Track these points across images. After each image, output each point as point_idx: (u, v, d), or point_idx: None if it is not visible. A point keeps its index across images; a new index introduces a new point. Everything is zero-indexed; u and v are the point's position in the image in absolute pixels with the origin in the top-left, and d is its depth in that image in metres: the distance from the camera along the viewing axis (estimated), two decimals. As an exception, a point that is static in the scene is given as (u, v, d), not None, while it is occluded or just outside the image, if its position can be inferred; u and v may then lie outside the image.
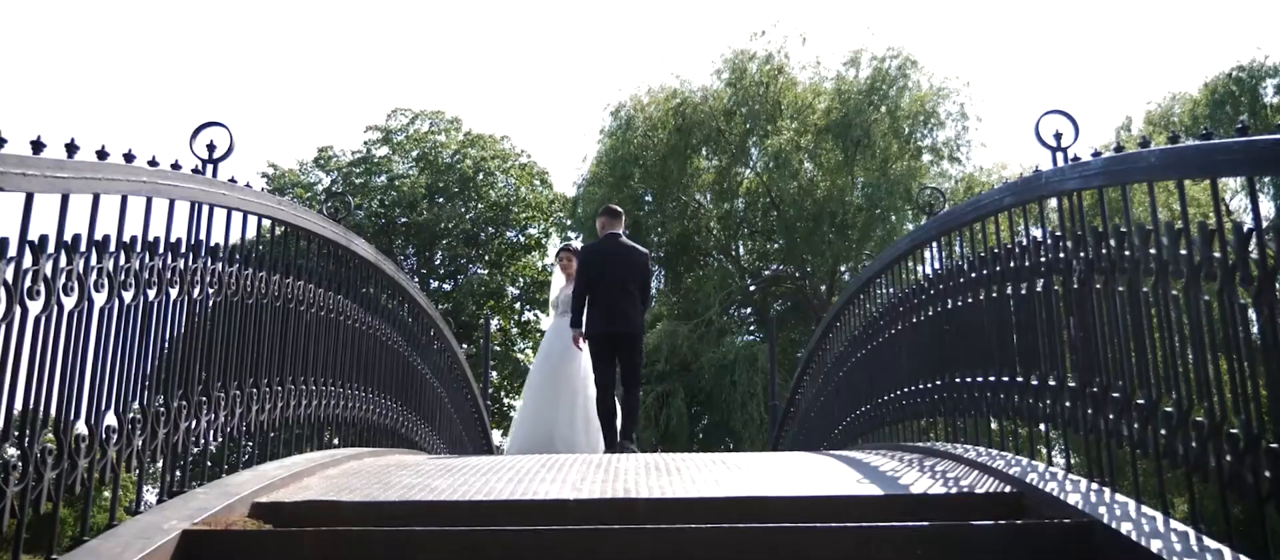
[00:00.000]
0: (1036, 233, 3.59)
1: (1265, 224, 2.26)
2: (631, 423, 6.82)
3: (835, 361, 7.04)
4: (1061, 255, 3.34)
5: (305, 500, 3.37)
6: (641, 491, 3.57)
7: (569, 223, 25.24)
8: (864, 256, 20.50)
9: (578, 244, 7.79)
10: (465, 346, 14.19)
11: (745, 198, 23.88)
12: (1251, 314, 2.29)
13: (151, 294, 3.06)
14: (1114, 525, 2.62)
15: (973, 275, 4.15)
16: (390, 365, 5.81)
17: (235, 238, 3.67)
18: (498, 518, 3.27)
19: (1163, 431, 2.66)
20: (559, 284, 8.15)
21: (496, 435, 22.32)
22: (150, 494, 4.26)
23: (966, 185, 21.47)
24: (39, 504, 2.46)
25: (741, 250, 25.01)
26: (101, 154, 2.78)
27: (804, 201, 21.78)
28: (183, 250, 3.29)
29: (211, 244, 3.50)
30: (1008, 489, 3.31)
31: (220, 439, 3.56)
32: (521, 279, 26.51)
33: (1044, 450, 3.52)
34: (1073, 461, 3.76)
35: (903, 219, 20.87)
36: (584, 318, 6.83)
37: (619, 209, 7.37)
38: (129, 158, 2.92)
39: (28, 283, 2.42)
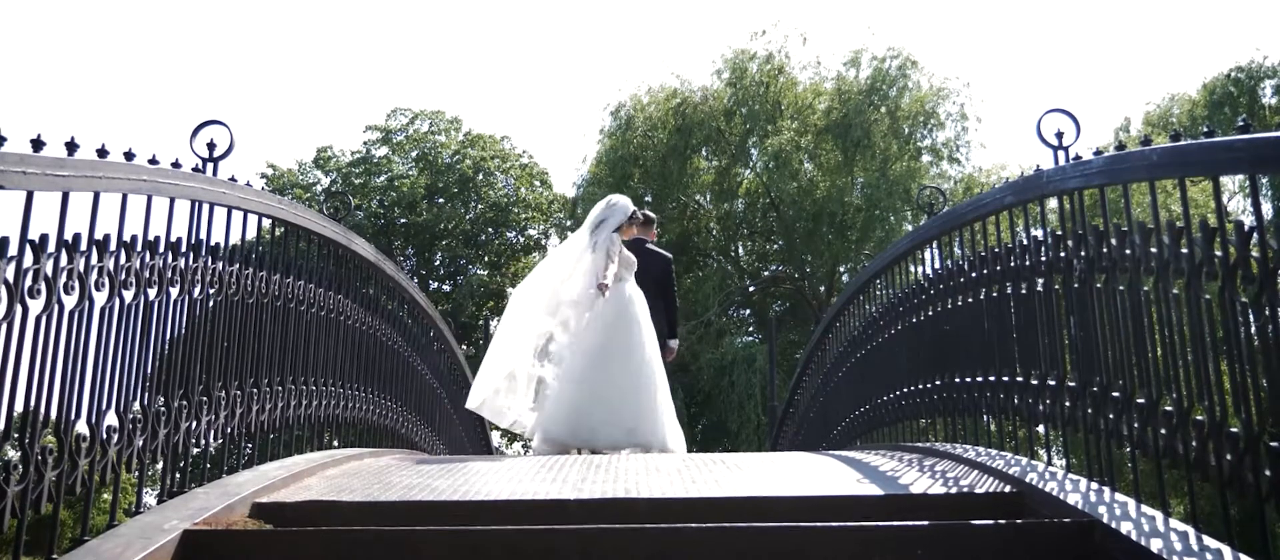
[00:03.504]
0: (1037, 232, 3.59)
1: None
2: None
3: (835, 361, 7.04)
4: (1062, 254, 3.34)
5: (306, 500, 3.36)
6: (642, 491, 3.57)
7: (569, 224, 25.25)
8: (863, 257, 20.52)
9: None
10: (465, 348, 14.17)
11: (745, 198, 23.90)
12: (1252, 313, 2.29)
13: (152, 293, 3.06)
14: (1114, 525, 2.62)
15: (973, 274, 4.15)
16: (390, 365, 5.80)
17: (235, 237, 3.67)
18: (498, 517, 3.26)
19: (1163, 431, 2.66)
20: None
21: (496, 436, 22.31)
22: (149, 497, 4.26)
23: (966, 186, 21.50)
24: (39, 504, 2.46)
25: (741, 251, 25.04)
26: (102, 152, 2.78)
27: (803, 202, 21.80)
28: (183, 249, 3.29)
29: (212, 243, 3.50)
30: (1007, 489, 3.31)
31: (220, 439, 3.56)
32: (521, 280, 26.47)
33: (1043, 451, 3.51)
34: (1071, 462, 3.76)
35: (902, 219, 20.89)
36: None
37: (653, 216, 7.42)
38: (129, 156, 2.92)
39: (28, 282, 2.42)
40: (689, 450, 6.39)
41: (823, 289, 22.58)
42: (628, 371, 6.03)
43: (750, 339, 23.43)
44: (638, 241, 6.98)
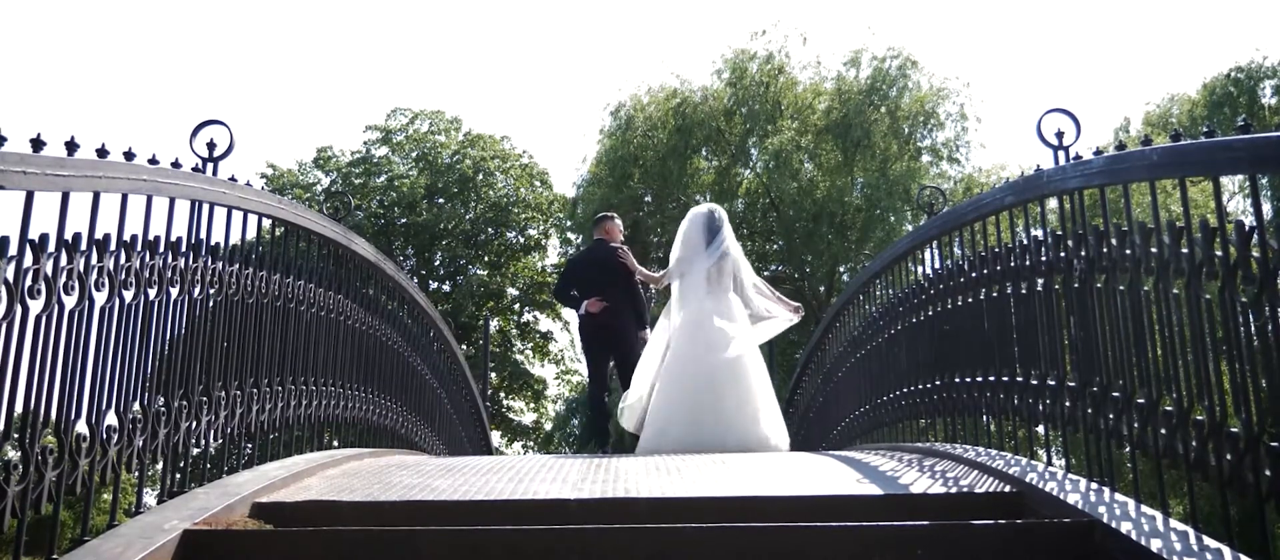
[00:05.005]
0: (1037, 232, 3.59)
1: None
2: None
3: (834, 361, 7.04)
4: (1062, 254, 3.34)
5: (306, 500, 3.37)
6: (642, 491, 3.57)
7: (569, 224, 25.23)
8: (863, 257, 20.49)
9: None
10: (464, 348, 14.17)
11: (745, 198, 23.87)
12: (1251, 313, 2.29)
13: (152, 293, 3.06)
14: (1114, 525, 2.62)
15: (973, 275, 4.15)
16: (390, 366, 5.80)
17: (235, 237, 3.67)
18: (498, 517, 3.27)
19: (1163, 431, 2.66)
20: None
21: (496, 436, 22.29)
22: (149, 497, 4.26)
23: (965, 186, 21.46)
24: (40, 504, 2.46)
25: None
26: (102, 152, 2.78)
27: (803, 202, 21.77)
28: (183, 249, 3.29)
29: (212, 243, 3.50)
30: (1007, 489, 3.31)
31: (220, 439, 3.56)
32: (521, 280, 26.48)
33: (1043, 451, 3.51)
34: (1071, 462, 3.76)
35: (902, 220, 20.86)
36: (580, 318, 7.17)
37: (607, 214, 7.58)
38: (129, 156, 2.92)
39: (28, 282, 2.42)
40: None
41: (823, 289, 22.55)
42: (724, 373, 6.17)
43: (750, 339, 23.38)
44: (600, 243, 7.10)
